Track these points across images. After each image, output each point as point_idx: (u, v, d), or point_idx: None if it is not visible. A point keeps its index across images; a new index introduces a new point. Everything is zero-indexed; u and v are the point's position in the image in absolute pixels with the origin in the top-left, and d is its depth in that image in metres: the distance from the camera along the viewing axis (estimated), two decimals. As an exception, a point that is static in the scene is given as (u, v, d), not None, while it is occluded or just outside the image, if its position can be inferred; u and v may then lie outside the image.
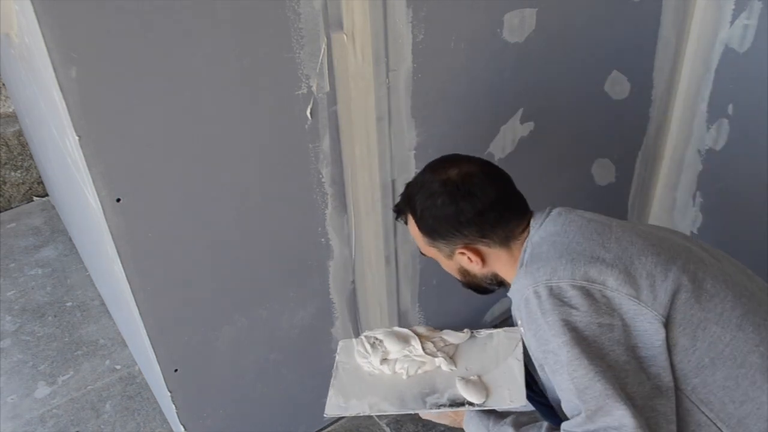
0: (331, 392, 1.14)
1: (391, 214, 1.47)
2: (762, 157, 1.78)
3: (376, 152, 1.36)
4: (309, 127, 1.24)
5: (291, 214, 1.32)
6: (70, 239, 2.60)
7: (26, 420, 1.82)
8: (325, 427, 1.71)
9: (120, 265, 1.14)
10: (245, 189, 1.23)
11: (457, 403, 1.05)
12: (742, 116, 1.80)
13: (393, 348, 1.14)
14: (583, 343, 0.92)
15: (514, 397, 1.03)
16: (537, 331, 0.97)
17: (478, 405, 1.04)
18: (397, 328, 1.20)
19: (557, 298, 0.95)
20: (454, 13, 1.32)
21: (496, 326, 1.91)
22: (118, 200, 1.08)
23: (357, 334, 1.60)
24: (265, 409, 1.54)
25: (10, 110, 2.88)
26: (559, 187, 1.80)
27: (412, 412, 1.08)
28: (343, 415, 1.08)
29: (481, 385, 1.07)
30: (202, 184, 1.17)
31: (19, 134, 2.83)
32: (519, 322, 1.05)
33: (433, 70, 1.35)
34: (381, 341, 1.17)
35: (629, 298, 0.94)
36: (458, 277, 1.20)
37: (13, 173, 2.88)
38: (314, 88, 1.21)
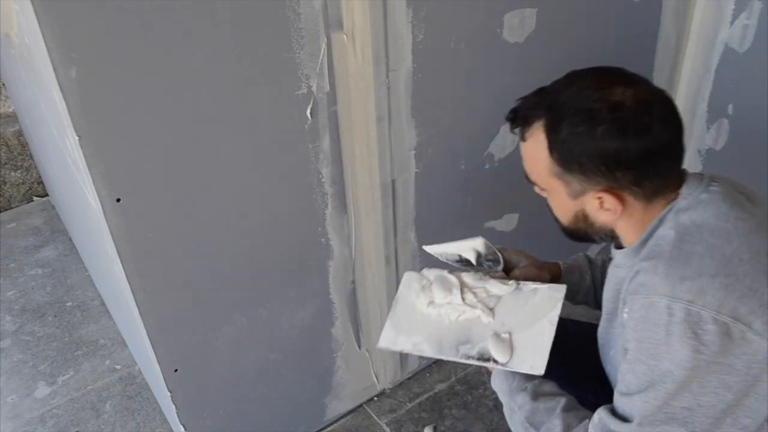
0: (387, 323, 1.16)
1: (391, 214, 1.47)
2: (762, 157, 1.78)
3: (376, 152, 1.36)
4: (309, 127, 1.24)
5: (291, 214, 1.32)
6: (70, 239, 2.60)
7: (26, 420, 1.82)
8: (325, 427, 1.71)
9: (120, 265, 1.14)
10: (245, 189, 1.23)
11: (485, 358, 1.06)
12: (742, 116, 1.80)
13: (438, 294, 1.16)
14: (687, 381, 0.81)
15: (534, 363, 1.02)
16: (647, 339, 0.84)
17: (501, 364, 1.04)
18: (447, 274, 1.19)
19: (691, 328, 0.80)
20: (454, 13, 1.32)
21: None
22: (118, 200, 1.08)
23: (357, 334, 1.60)
24: (265, 409, 1.54)
25: (10, 110, 2.88)
26: (559, 187, 1.80)
27: (445, 358, 1.09)
28: (391, 349, 1.13)
29: (509, 343, 1.06)
30: (202, 184, 1.17)
31: (19, 134, 2.83)
32: (623, 306, 0.92)
33: (433, 70, 1.35)
34: (431, 284, 1.18)
35: None
36: (569, 222, 0.97)
37: (13, 173, 2.88)
38: (314, 88, 1.21)
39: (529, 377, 1.05)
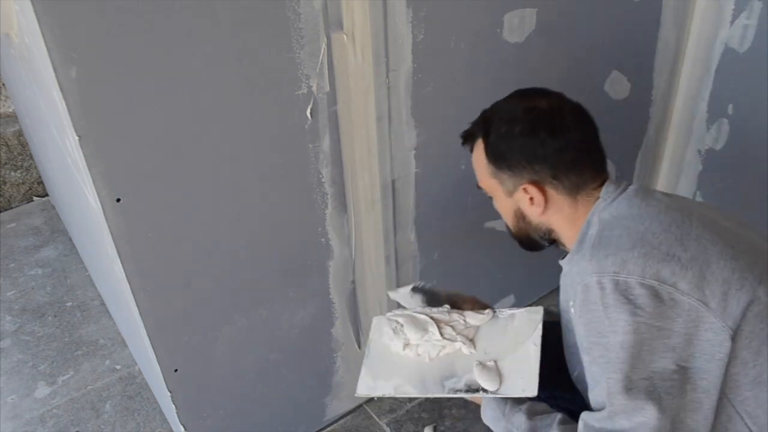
0: (362, 371, 1.15)
1: (391, 214, 1.47)
2: (762, 157, 1.78)
3: (376, 152, 1.36)
4: (309, 127, 1.24)
5: (291, 214, 1.32)
6: (70, 239, 2.60)
7: (26, 420, 1.82)
8: (325, 427, 1.71)
9: (120, 265, 1.14)
10: (245, 189, 1.23)
11: (473, 389, 1.05)
12: (742, 116, 1.80)
13: (412, 335, 1.15)
14: (636, 347, 0.87)
15: (526, 386, 1.02)
16: (591, 321, 0.92)
17: (491, 392, 1.03)
18: (417, 314, 1.18)
19: (622, 294, 0.88)
20: (454, 13, 1.32)
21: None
22: (118, 200, 1.08)
23: (357, 334, 1.60)
24: (265, 409, 1.54)
25: (10, 110, 2.88)
26: (559, 187, 1.80)
27: (432, 396, 1.08)
28: (371, 396, 1.11)
29: (496, 371, 1.06)
30: (202, 184, 1.17)
31: (19, 134, 2.83)
32: (570, 304, 0.99)
33: (433, 70, 1.35)
34: (402, 326, 1.17)
35: (699, 304, 0.87)
36: (511, 222, 1.12)
37: (13, 173, 2.88)
38: (314, 88, 1.21)
39: (522, 400, 1.06)
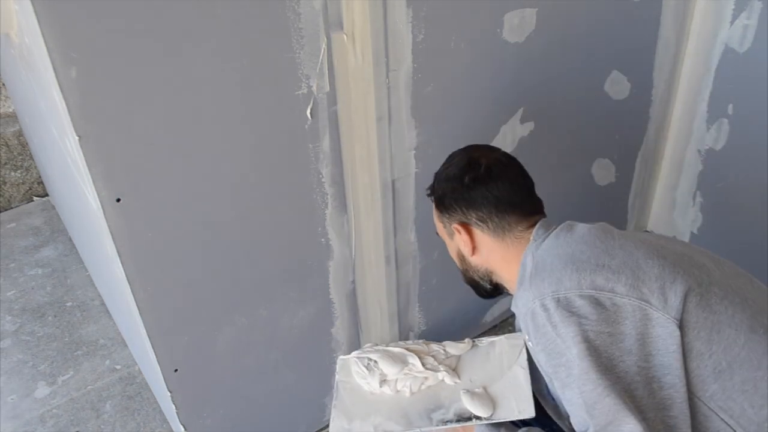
0: (333, 414, 1.11)
1: (391, 214, 1.48)
2: (762, 157, 1.78)
3: (376, 152, 1.36)
4: (309, 127, 1.24)
5: (291, 214, 1.32)
6: (70, 239, 2.60)
7: (26, 420, 1.82)
8: (325, 427, 1.71)
9: (120, 265, 1.14)
10: (245, 189, 1.23)
11: (464, 417, 1.02)
12: (742, 116, 1.80)
13: (389, 370, 1.11)
14: (594, 354, 0.89)
15: (521, 408, 1.01)
16: (547, 344, 0.95)
17: (485, 419, 1.01)
18: (391, 348, 1.15)
19: (566, 309, 0.92)
20: (454, 13, 1.32)
21: (496, 326, 1.91)
22: (118, 200, 1.08)
23: (357, 334, 1.60)
24: (265, 409, 1.54)
25: (10, 110, 2.88)
26: (560, 187, 1.80)
27: (418, 430, 1.04)
28: None
29: (487, 397, 1.04)
30: (202, 184, 1.17)
31: (19, 134, 2.83)
32: (527, 338, 1.03)
33: (433, 70, 1.35)
34: (376, 362, 1.13)
35: (640, 302, 0.91)
36: (458, 263, 1.22)
37: (13, 173, 2.88)
38: (314, 88, 1.21)
39: (515, 425, 1.06)
